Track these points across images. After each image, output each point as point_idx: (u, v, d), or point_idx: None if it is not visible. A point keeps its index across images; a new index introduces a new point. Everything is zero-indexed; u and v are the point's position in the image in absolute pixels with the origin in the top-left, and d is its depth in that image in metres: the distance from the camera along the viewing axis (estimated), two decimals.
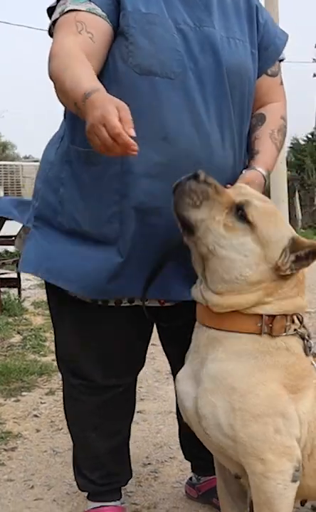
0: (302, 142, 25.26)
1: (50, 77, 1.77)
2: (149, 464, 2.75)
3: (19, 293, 6.85)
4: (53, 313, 2.17)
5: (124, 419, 2.23)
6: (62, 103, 1.79)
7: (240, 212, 1.67)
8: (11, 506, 2.41)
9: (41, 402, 3.55)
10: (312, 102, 30.60)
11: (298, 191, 21.82)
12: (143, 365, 2.21)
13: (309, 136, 25.60)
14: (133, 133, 1.52)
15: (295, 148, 24.86)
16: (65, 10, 1.84)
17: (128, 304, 2.00)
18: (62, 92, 1.72)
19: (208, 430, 1.71)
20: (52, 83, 1.77)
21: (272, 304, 1.71)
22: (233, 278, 1.66)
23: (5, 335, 5.10)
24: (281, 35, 2.15)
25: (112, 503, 2.21)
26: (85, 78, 1.67)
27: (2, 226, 10.04)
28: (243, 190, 1.76)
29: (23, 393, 3.70)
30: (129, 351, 2.11)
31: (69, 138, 1.98)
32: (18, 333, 5.19)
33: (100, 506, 2.21)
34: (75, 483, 2.49)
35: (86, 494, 2.27)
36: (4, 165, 15.24)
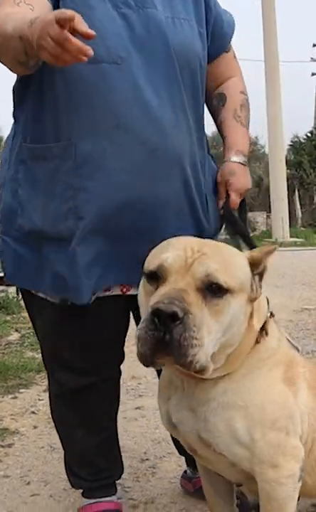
0: (302, 141, 25.29)
1: None
2: (147, 459, 2.73)
3: (17, 291, 6.82)
4: (30, 311, 2.14)
5: (109, 415, 2.19)
6: (9, 65, 1.74)
7: (211, 292, 1.42)
8: (8, 502, 2.39)
9: (39, 399, 3.54)
10: (310, 101, 30.61)
11: (298, 190, 21.83)
12: (124, 358, 2.17)
13: (309, 135, 25.62)
14: (83, 25, 1.44)
15: (295, 146, 24.88)
16: None
17: (95, 297, 1.93)
18: (5, 43, 1.65)
19: (221, 448, 1.61)
20: None
21: (256, 319, 1.60)
22: (238, 339, 1.52)
23: (3, 333, 5.10)
24: (226, 12, 2.14)
25: (107, 499, 2.19)
26: (29, 16, 1.61)
27: None
28: (177, 263, 1.46)
29: (21, 390, 3.69)
30: (108, 343, 2.06)
31: (20, 137, 1.94)
32: (16, 330, 5.18)
33: (95, 502, 2.18)
34: None
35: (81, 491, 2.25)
36: None
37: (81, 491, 2.25)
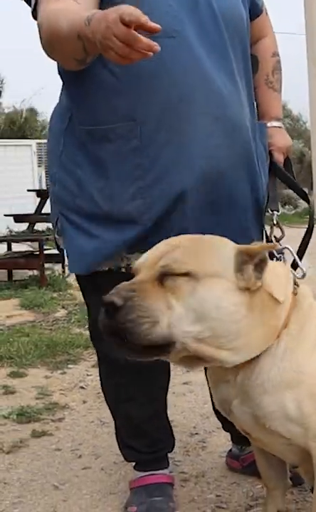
0: None
1: (44, 46, 1.70)
2: (196, 433, 2.74)
3: (63, 268, 6.90)
4: (85, 288, 2.14)
5: (161, 386, 2.20)
6: (63, 62, 1.74)
7: (168, 277, 1.44)
8: (60, 475, 2.43)
9: (87, 375, 3.57)
10: None
11: None
12: None
13: None
14: (149, 22, 1.41)
15: None
16: None
17: None
18: (61, 41, 1.63)
19: (276, 427, 1.58)
20: (46, 53, 1.73)
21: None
22: (232, 332, 1.47)
23: (50, 309, 5.15)
24: None
25: (160, 472, 2.20)
26: (82, 12, 1.58)
27: (45, 203, 10.08)
28: (149, 260, 1.51)
29: (69, 366, 3.73)
30: None
31: (77, 120, 1.90)
32: (63, 307, 5.23)
33: (148, 475, 2.19)
34: None
35: (133, 464, 2.27)
36: (45, 143, 15.23)
37: (132, 464, 2.27)
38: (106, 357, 2.12)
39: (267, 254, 1.49)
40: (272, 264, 1.53)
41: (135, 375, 2.09)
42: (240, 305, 1.46)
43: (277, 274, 1.56)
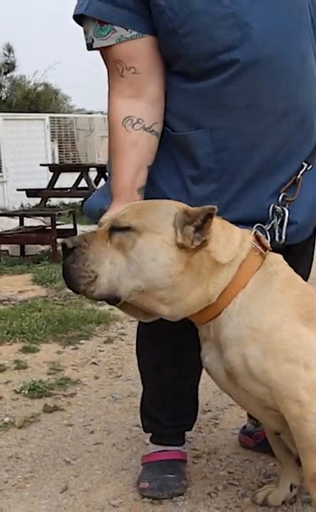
0: None
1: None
2: (209, 410, 2.72)
3: None
4: None
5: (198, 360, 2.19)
6: None
7: (115, 231, 1.59)
8: (72, 450, 2.42)
9: (99, 350, 3.56)
10: None
11: None
12: None
13: None
14: None
15: None
16: (94, 47, 1.79)
17: None
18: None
19: (245, 385, 1.66)
20: None
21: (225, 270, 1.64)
22: (167, 285, 1.58)
23: (62, 285, 5.11)
24: None
25: (175, 448, 2.20)
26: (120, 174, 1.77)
27: (58, 177, 10.07)
28: (105, 218, 1.68)
29: (81, 341, 3.72)
30: None
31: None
32: None
33: (162, 450, 2.19)
34: (135, 429, 2.50)
35: (148, 439, 2.26)
36: (58, 118, 15.15)
37: (144, 440, 2.27)
38: (150, 323, 2.11)
39: (210, 218, 1.55)
40: (227, 229, 1.65)
41: (177, 347, 2.07)
42: (177, 260, 1.56)
43: (230, 238, 1.64)
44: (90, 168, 10.85)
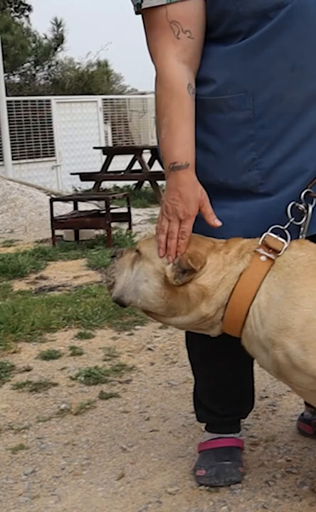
0: None
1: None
2: (266, 397, 2.69)
3: (129, 227, 6.87)
4: None
5: None
6: None
7: (136, 251, 1.85)
8: (128, 437, 2.42)
9: (155, 336, 3.55)
10: None
11: None
12: None
13: None
14: (218, 223, 1.75)
15: None
16: (144, 7, 1.73)
17: None
18: (157, 128, 1.81)
19: (293, 380, 1.68)
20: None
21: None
22: (160, 305, 1.79)
23: None
24: None
25: (231, 435, 2.17)
26: (179, 143, 1.74)
27: (111, 160, 10.07)
28: None
29: (137, 327, 3.71)
30: None
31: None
32: None
33: (218, 438, 2.17)
34: (191, 415, 2.48)
35: (204, 426, 2.24)
36: (111, 99, 15.10)
37: (201, 427, 2.25)
38: None
39: (191, 273, 1.72)
40: (223, 250, 1.75)
41: (223, 339, 2.04)
42: (166, 286, 1.75)
43: (220, 260, 1.74)
44: (144, 150, 10.80)
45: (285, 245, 1.72)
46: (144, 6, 1.74)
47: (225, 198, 1.85)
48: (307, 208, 1.79)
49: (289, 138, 1.77)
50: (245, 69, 1.73)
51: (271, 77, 1.72)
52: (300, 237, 1.79)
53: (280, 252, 1.71)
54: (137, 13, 1.79)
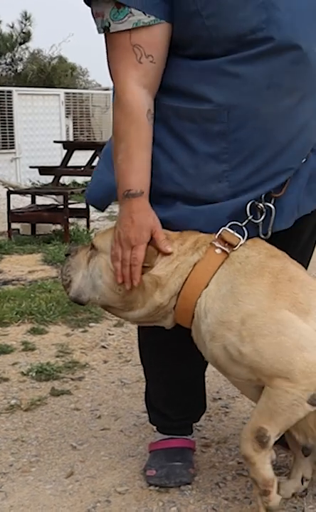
0: None
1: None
2: (219, 398, 2.68)
3: (87, 224, 6.82)
4: None
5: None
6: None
7: (92, 247, 1.85)
8: (78, 435, 2.39)
9: (109, 334, 3.52)
10: None
11: None
12: None
13: None
14: (169, 249, 1.74)
15: None
16: (112, 31, 1.70)
17: None
18: (114, 152, 1.78)
19: (231, 371, 1.71)
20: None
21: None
22: (117, 300, 1.82)
23: None
24: None
25: (182, 436, 2.16)
26: (135, 170, 1.74)
27: (72, 155, 9.98)
28: None
29: (91, 324, 3.68)
30: None
31: (162, 95, 1.81)
32: None
33: (169, 438, 2.16)
34: (143, 415, 2.46)
35: (155, 427, 2.23)
36: (74, 93, 14.97)
37: (152, 427, 2.23)
38: None
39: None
40: (178, 241, 1.77)
41: (177, 335, 2.03)
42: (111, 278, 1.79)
43: (175, 250, 1.75)
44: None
45: (241, 241, 1.75)
46: (112, 30, 1.71)
47: (191, 204, 1.83)
48: (265, 206, 1.79)
49: (262, 152, 1.76)
50: (219, 84, 1.71)
51: (247, 93, 1.71)
52: (265, 235, 1.82)
53: (235, 246, 1.74)
54: (100, 32, 1.76)
